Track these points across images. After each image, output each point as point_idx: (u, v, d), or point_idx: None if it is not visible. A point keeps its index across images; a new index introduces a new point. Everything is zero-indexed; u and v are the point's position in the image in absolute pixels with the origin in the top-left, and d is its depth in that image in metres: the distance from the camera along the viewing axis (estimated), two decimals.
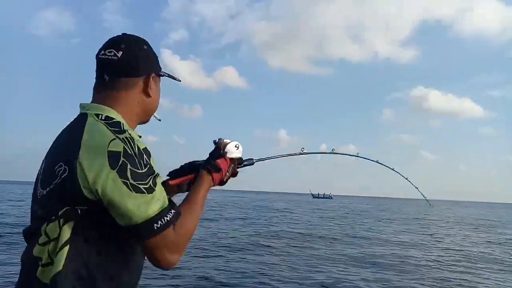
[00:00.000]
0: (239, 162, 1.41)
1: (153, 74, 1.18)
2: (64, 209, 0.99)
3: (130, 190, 0.97)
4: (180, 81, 1.32)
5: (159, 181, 1.04)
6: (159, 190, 1.03)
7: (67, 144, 1.03)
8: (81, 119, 1.07)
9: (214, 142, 1.38)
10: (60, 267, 0.96)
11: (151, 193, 1.00)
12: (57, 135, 1.12)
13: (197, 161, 1.37)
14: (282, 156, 1.72)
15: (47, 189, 1.03)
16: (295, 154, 1.76)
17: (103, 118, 1.06)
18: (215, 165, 1.29)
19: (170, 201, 1.05)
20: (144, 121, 1.23)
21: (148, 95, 1.17)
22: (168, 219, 1.01)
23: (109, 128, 1.02)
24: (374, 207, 48.39)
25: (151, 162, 1.03)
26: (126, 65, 1.12)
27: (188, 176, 1.34)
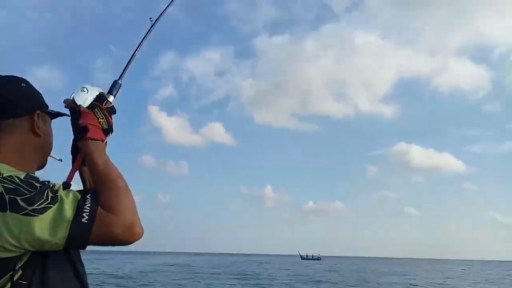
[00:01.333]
0: (101, 99, 1.18)
1: (37, 112, 1.11)
2: (11, 276, 0.92)
3: (34, 215, 0.90)
4: (68, 115, 1.19)
5: (58, 187, 0.98)
6: (63, 193, 0.97)
7: None
8: None
9: (65, 107, 1.19)
10: None
11: (56, 201, 0.94)
12: None
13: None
14: (141, 43, 1.43)
15: None
16: (150, 30, 1.48)
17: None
18: (80, 127, 1.12)
19: (80, 191, 1.01)
20: (41, 164, 1.16)
21: (37, 134, 1.10)
22: (88, 206, 0.95)
23: None
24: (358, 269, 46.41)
25: (38, 182, 0.96)
26: (3, 106, 1.07)
27: (77, 161, 1.19)
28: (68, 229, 0.92)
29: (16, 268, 0.93)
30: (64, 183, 1.08)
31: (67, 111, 1.18)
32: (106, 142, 1.17)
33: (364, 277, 29.32)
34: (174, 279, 23.91)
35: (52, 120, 1.20)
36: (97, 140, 1.12)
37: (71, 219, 0.92)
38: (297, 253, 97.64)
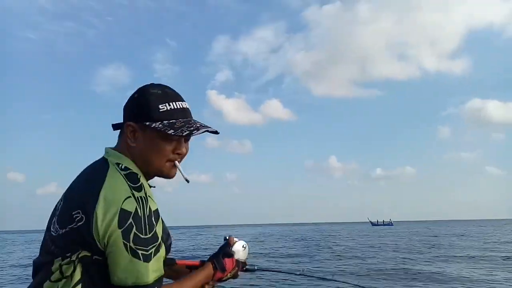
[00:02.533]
0: (242, 266, 1.49)
1: (129, 123, 1.19)
2: (80, 252, 1.06)
3: (128, 252, 1.03)
4: (217, 132, 1.28)
5: (161, 251, 1.10)
6: (157, 260, 1.08)
7: (87, 192, 1.09)
8: (103, 167, 1.14)
9: (225, 238, 1.48)
10: None
11: (147, 262, 1.05)
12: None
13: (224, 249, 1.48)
14: (283, 272, 2.07)
15: (63, 230, 1.09)
16: (296, 274, 2.23)
17: (122, 168, 1.13)
18: (223, 265, 1.39)
19: (162, 275, 1.11)
20: (155, 172, 1.23)
21: (129, 144, 1.20)
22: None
23: (127, 182, 1.10)
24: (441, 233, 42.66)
25: (157, 227, 1.09)
26: (126, 109, 1.23)
27: (195, 262, 1.49)
28: (133, 284, 1.05)
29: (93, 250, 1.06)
30: (173, 260, 1.45)
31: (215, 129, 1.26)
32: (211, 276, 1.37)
33: (450, 242, 26.16)
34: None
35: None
36: (213, 277, 1.37)
37: (135, 285, 1.05)
38: (367, 220, 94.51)
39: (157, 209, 1.11)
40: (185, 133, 1.16)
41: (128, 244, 1.03)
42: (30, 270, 1.18)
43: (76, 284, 1.05)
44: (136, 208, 1.06)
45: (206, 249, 25.23)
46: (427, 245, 23.71)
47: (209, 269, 1.36)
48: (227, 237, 1.49)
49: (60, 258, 1.07)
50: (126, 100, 1.23)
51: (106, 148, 1.22)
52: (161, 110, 1.18)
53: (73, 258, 1.06)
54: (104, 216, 1.04)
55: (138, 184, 1.10)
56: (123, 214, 1.04)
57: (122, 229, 1.03)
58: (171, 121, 1.17)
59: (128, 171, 1.13)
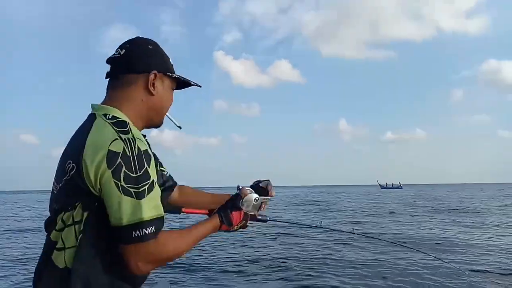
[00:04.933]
0: (252, 217, 1.47)
1: (154, 71, 1.23)
2: (78, 202, 1.08)
3: (120, 192, 1.04)
4: (200, 86, 1.40)
5: (155, 190, 1.10)
6: (150, 198, 1.07)
7: (76, 143, 1.11)
8: (90, 119, 1.15)
9: (238, 188, 1.46)
10: (73, 253, 1.07)
11: (140, 199, 1.05)
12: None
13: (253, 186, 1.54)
14: (298, 224, 2.57)
15: (60, 185, 1.13)
16: (313, 227, 2.09)
17: (109, 117, 1.13)
18: (229, 219, 1.35)
19: (160, 216, 1.10)
20: (155, 122, 1.30)
21: (150, 93, 1.23)
22: (147, 232, 1.06)
23: (114, 127, 1.09)
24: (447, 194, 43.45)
25: (149, 168, 1.09)
26: (127, 61, 1.22)
27: (202, 211, 1.58)
28: (124, 225, 1.04)
29: (95, 196, 1.08)
30: (180, 208, 1.56)
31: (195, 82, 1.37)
32: (220, 227, 1.35)
33: (455, 202, 27.01)
34: None
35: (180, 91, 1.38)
36: (220, 228, 1.35)
37: (130, 224, 1.04)
38: (377, 183, 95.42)
39: (147, 149, 1.10)
40: (193, 84, 1.35)
41: (119, 183, 1.03)
42: (40, 222, 1.20)
43: (79, 232, 1.07)
44: (123, 148, 1.05)
45: None
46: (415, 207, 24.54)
47: (215, 221, 1.32)
48: (240, 187, 1.45)
49: (62, 212, 1.09)
50: (125, 50, 1.22)
51: (92, 104, 1.21)
52: (171, 63, 1.31)
53: (73, 209, 1.08)
54: (93, 160, 1.04)
55: (126, 128, 1.10)
56: (111, 155, 1.04)
57: (111, 169, 1.03)
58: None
59: (115, 120, 1.12)
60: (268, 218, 1.60)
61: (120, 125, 1.11)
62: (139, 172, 1.06)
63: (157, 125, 1.31)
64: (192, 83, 1.35)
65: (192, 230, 1.23)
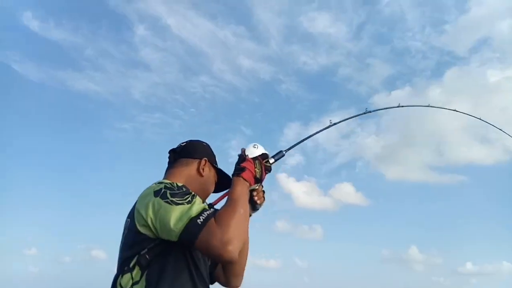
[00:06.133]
0: (264, 157, 1.56)
1: (205, 158, 1.61)
2: (133, 259, 1.28)
3: (171, 204, 1.25)
4: (228, 178, 1.60)
5: (198, 198, 1.33)
6: (198, 200, 1.31)
7: (131, 209, 1.39)
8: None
9: (238, 155, 1.58)
10: None
11: (190, 204, 1.26)
12: None
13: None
14: (311, 135, 1.89)
15: (120, 246, 1.36)
16: (325, 128, 1.96)
17: (156, 183, 1.40)
18: (240, 167, 1.48)
19: (204, 209, 1.29)
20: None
21: (201, 174, 1.57)
22: (208, 213, 1.25)
23: (158, 182, 1.39)
24: None
25: (186, 189, 1.36)
26: (186, 149, 1.62)
27: (226, 192, 1.59)
28: (185, 224, 1.21)
29: (147, 248, 1.29)
30: (209, 204, 1.54)
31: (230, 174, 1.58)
32: (253, 189, 1.54)
33: None
34: None
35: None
36: (246, 180, 1.45)
37: (191, 217, 1.22)
38: None
39: (184, 185, 1.40)
40: (230, 176, 1.57)
41: (168, 200, 1.25)
42: None
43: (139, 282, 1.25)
44: (164, 185, 1.32)
45: None
46: None
47: (235, 180, 1.44)
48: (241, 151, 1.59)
49: (120, 276, 1.28)
50: (185, 143, 1.64)
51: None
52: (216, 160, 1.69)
53: (130, 267, 1.26)
54: (142, 203, 1.28)
55: (171, 182, 1.39)
56: (156, 191, 1.29)
57: (159, 196, 1.27)
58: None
59: (168, 182, 1.39)
60: (283, 151, 1.70)
61: (169, 184, 1.38)
62: (182, 190, 1.32)
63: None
64: (229, 176, 1.56)
65: (229, 198, 1.37)
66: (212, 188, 1.62)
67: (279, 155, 1.66)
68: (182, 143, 1.63)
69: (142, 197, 1.32)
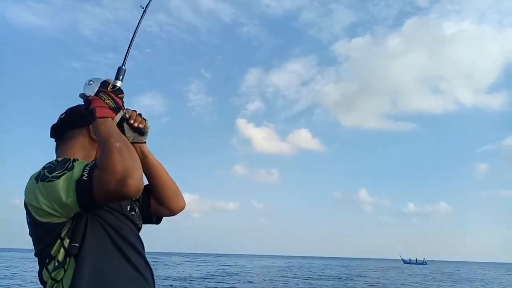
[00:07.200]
0: (106, 85, 1.37)
1: (91, 124, 1.37)
2: (51, 248, 1.19)
3: (54, 180, 1.15)
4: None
5: (78, 161, 1.21)
6: (79, 162, 1.19)
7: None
8: None
9: (83, 100, 1.40)
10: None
11: (72, 169, 1.17)
12: None
13: None
14: (136, 29, 1.63)
15: (33, 241, 1.26)
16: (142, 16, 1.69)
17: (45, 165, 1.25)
18: (88, 112, 1.30)
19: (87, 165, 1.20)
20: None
21: (94, 140, 1.41)
22: (89, 166, 1.16)
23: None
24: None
25: (67, 159, 1.22)
26: (67, 121, 1.44)
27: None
28: (75, 188, 1.13)
29: (62, 235, 1.19)
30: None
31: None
32: (122, 118, 1.43)
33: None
34: (265, 280, 22.46)
35: None
36: (105, 117, 1.28)
37: (76, 180, 1.13)
38: (399, 257, 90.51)
39: (64, 158, 1.27)
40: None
41: (48, 178, 1.15)
42: None
43: (64, 270, 1.19)
44: (43, 167, 1.21)
45: (224, 277, 24.96)
46: None
47: (94, 126, 1.29)
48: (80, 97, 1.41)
49: (43, 269, 1.23)
50: (65, 114, 1.46)
51: None
52: None
53: (52, 250, 1.20)
54: (29, 196, 1.19)
55: (51, 162, 1.26)
56: (36, 178, 1.19)
57: (39, 180, 1.17)
58: None
59: (48, 162, 1.26)
60: (122, 66, 1.48)
61: (48, 164, 1.24)
62: (61, 162, 1.21)
63: None
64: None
65: (99, 142, 1.29)
66: None
67: (120, 73, 1.45)
68: (61, 114, 1.46)
69: (28, 189, 1.20)
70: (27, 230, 1.27)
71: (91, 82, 1.38)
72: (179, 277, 23.65)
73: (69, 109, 1.49)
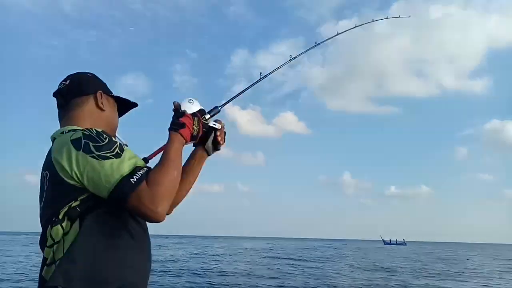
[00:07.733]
0: (202, 114, 1.47)
1: (100, 91, 1.42)
2: (62, 209, 1.16)
3: (98, 159, 1.14)
4: (136, 105, 1.57)
5: (126, 149, 1.22)
6: (128, 154, 1.20)
7: (45, 161, 1.26)
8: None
9: (173, 110, 1.43)
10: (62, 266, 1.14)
11: (119, 157, 1.16)
12: None
13: None
14: (246, 90, 1.81)
15: (43, 199, 1.24)
16: (257, 82, 1.86)
17: (66, 131, 1.27)
18: (178, 122, 1.35)
19: (142, 163, 1.23)
20: None
21: (101, 109, 1.41)
22: (141, 173, 1.16)
23: (70, 130, 1.26)
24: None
25: (109, 137, 1.22)
26: (75, 86, 1.41)
27: (162, 147, 1.43)
28: (118, 181, 1.12)
29: (77, 199, 1.17)
30: (144, 158, 1.42)
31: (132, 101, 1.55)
32: (186, 144, 1.40)
33: (465, 264, 25.77)
34: (248, 261, 22.96)
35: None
36: (183, 137, 1.34)
37: (123, 176, 1.13)
38: (380, 238, 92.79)
39: (103, 130, 1.25)
40: (132, 102, 1.55)
41: (94, 155, 1.14)
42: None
43: (68, 242, 1.15)
44: (83, 133, 1.19)
45: (208, 258, 25.34)
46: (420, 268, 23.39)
47: (172, 135, 1.33)
48: (173, 104, 1.45)
49: (49, 227, 1.17)
50: (69, 80, 1.42)
51: (51, 136, 1.34)
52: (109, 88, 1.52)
53: (59, 218, 1.16)
54: (61, 156, 1.15)
55: (82, 127, 1.27)
56: (75, 141, 1.16)
57: (81, 150, 1.14)
58: None
59: (72, 128, 1.28)
60: (219, 107, 1.60)
61: (73, 129, 1.27)
62: (105, 140, 1.19)
63: None
64: (131, 102, 1.54)
65: (164, 155, 1.28)
66: (117, 120, 1.49)
67: (214, 111, 1.56)
68: (64, 81, 1.42)
69: (59, 146, 1.19)
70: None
71: (191, 101, 1.46)
72: (163, 260, 23.92)
73: (73, 75, 1.44)
